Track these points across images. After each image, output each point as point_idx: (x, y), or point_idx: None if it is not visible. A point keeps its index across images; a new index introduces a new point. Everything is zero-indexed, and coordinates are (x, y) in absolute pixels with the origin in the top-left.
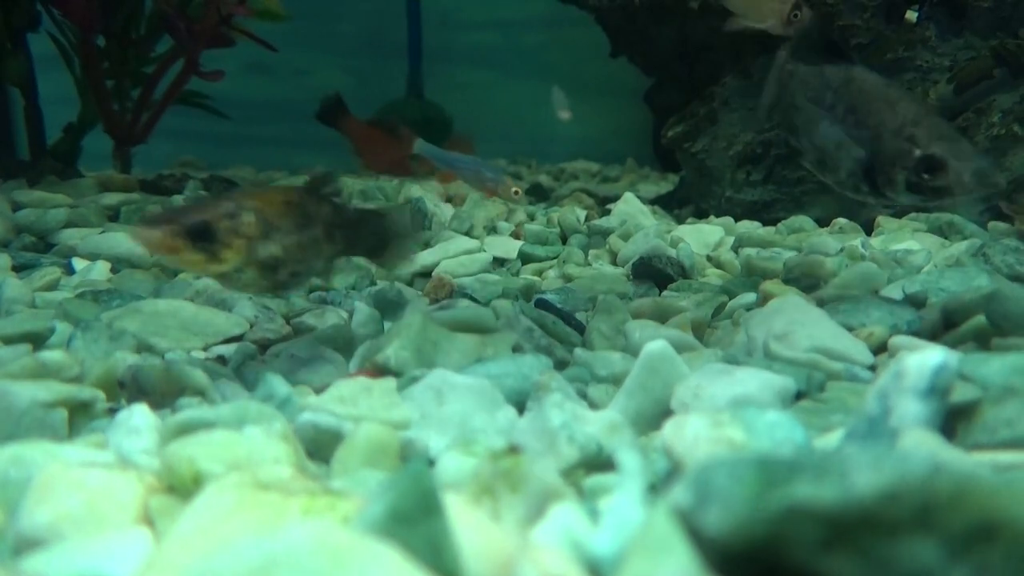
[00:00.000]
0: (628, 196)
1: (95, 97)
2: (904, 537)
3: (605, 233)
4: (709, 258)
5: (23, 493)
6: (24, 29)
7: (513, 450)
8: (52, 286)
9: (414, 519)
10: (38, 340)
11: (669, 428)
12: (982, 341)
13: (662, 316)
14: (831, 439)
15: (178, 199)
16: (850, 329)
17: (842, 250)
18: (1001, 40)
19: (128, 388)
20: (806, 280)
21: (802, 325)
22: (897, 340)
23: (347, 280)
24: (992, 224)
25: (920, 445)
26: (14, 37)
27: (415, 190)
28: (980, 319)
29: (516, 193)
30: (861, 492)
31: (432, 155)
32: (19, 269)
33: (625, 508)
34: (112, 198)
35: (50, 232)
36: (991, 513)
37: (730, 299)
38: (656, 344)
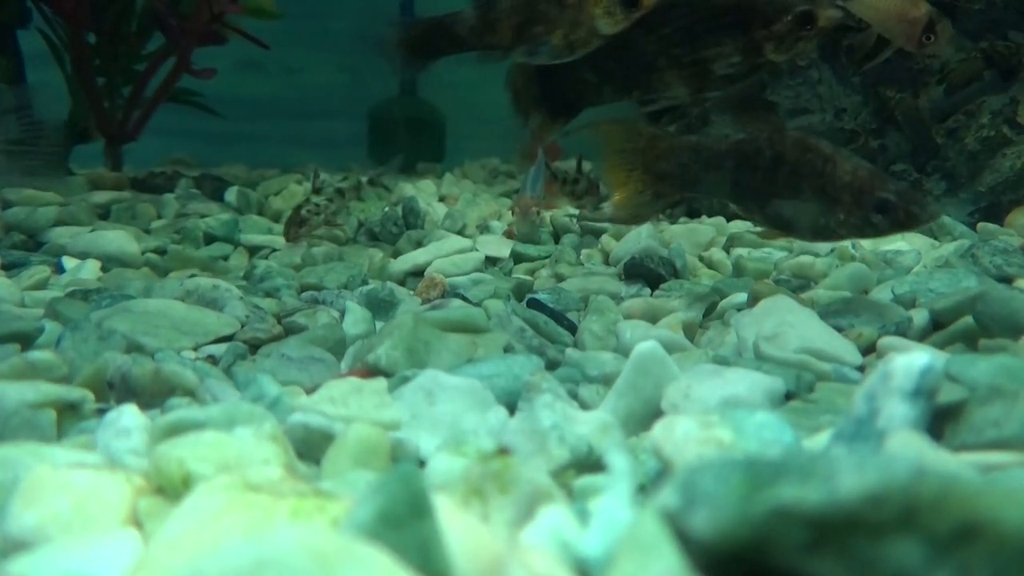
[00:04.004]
0: None
1: (86, 95)
2: (888, 539)
3: (598, 233)
4: (701, 258)
5: (10, 495)
6: (14, 26)
7: (503, 451)
8: (41, 285)
9: (403, 521)
10: (26, 340)
11: (659, 429)
12: (970, 342)
13: (653, 316)
14: (820, 440)
15: (170, 198)
16: (839, 330)
17: (832, 251)
18: (991, 42)
19: (117, 388)
20: (796, 281)
21: (792, 326)
22: (886, 341)
23: (339, 279)
24: (981, 225)
25: (907, 446)
26: (4, 34)
27: (408, 189)
28: (968, 320)
29: (525, 210)
30: (846, 494)
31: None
32: (8, 268)
33: (614, 509)
34: (102, 196)
35: (40, 230)
36: (974, 515)
37: (721, 299)
38: (647, 344)
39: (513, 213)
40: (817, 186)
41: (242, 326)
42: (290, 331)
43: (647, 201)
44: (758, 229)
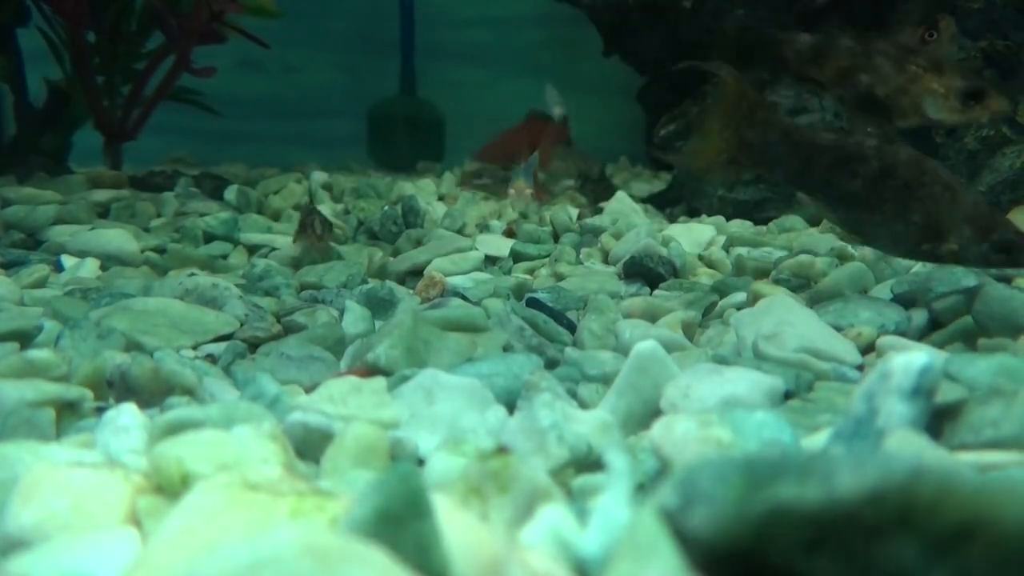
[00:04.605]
0: (620, 195)
1: (85, 93)
2: (886, 538)
3: (597, 232)
4: (700, 257)
5: (9, 494)
6: (13, 25)
7: (502, 450)
8: (40, 284)
9: (402, 520)
10: (26, 338)
11: (658, 428)
12: (969, 341)
13: (653, 315)
14: (819, 439)
15: (169, 196)
16: (839, 329)
17: (832, 250)
18: (991, 42)
19: (116, 387)
20: (796, 280)
21: (791, 325)
22: (885, 340)
23: (338, 278)
24: None
25: (905, 445)
26: (3, 33)
27: (408, 188)
28: (967, 319)
29: (520, 191)
30: (844, 494)
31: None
32: (7, 266)
33: (613, 509)
34: (102, 195)
35: (39, 229)
36: (972, 514)
37: (721, 298)
38: (646, 344)
39: (508, 196)
40: (933, 212)
41: (241, 325)
42: (289, 330)
43: (721, 163)
44: (759, 228)
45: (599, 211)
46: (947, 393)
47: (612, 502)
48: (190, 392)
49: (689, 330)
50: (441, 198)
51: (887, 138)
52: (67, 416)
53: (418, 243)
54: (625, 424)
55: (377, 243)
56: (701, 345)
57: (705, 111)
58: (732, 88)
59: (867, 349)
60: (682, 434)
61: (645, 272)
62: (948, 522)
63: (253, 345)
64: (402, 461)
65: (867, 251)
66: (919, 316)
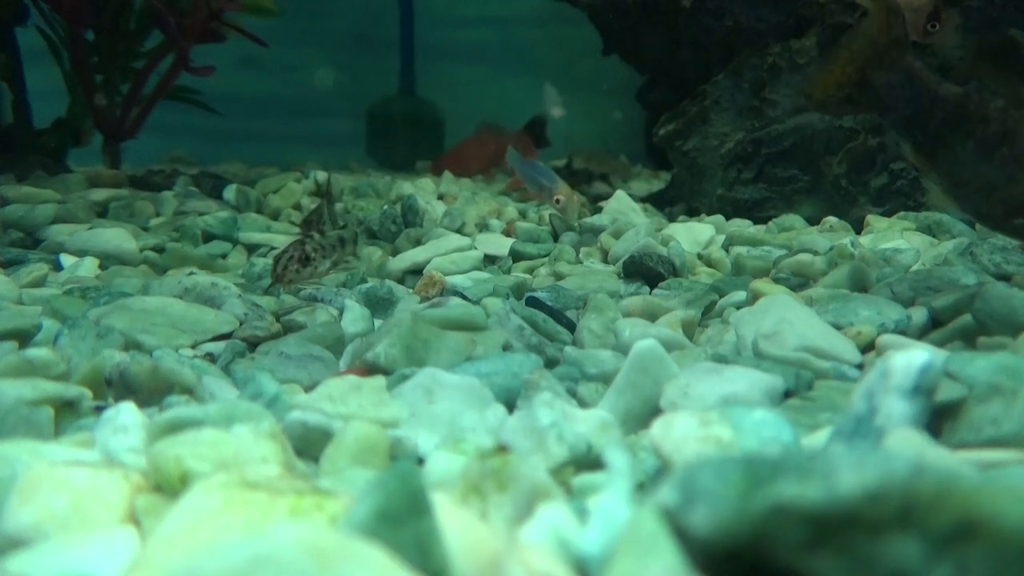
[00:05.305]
0: (620, 194)
1: (84, 92)
2: (887, 536)
3: (596, 231)
4: (700, 256)
5: (8, 492)
6: (12, 23)
7: (502, 449)
8: (39, 283)
9: (401, 519)
10: (24, 337)
11: (657, 427)
12: (969, 340)
13: (652, 314)
14: (819, 438)
15: (168, 195)
16: (839, 328)
17: (832, 249)
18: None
19: (115, 386)
20: (796, 279)
21: (791, 324)
22: (885, 339)
23: (338, 277)
24: (980, 223)
25: (905, 444)
26: (1, 31)
27: (407, 187)
28: (966, 318)
29: (558, 201)
30: (845, 492)
31: (512, 161)
32: (6, 265)
33: (612, 507)
34: (101, 194)
35: (38, 228)
36: (972, 512)
37: (720, 297)
38: (646, 343)
39: (557, 203)
40: None
41: (240, 324)
42: (289, 329)
43: (839, 99)
44: (758, 227)
45: (598, 210)
46: (947, 391)
47: (612, 501)
48: (189, 391)
49: (689, 329)
50: (440, 197)
51: (1018, 100)
52: (66, 415)
53: (417, 242)
54: (625, 423)
55: (376, 242)
56: (701, 344)
57: (840, 41)
58: (880, 20)
59: (867, 347)
60: (682, 433)
61: (644, 271)
62: (948, 520)
63: (252, 344)
64: (402, 460)
65: (867, 250)
66: (919, 314)
